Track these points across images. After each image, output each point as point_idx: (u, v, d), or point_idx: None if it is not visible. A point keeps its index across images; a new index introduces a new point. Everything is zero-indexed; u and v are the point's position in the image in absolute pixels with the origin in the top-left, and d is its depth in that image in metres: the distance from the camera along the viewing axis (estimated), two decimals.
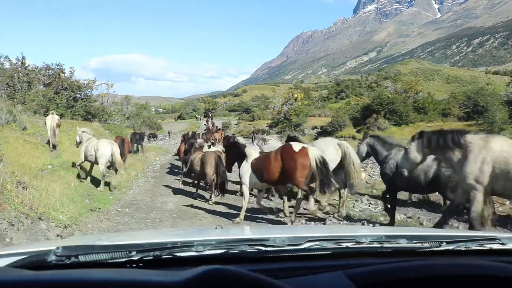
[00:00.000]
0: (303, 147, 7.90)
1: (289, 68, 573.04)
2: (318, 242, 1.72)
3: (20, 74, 29.04)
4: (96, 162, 11.98)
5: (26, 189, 7.77)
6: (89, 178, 12.95)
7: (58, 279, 1.03)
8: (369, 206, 11.81)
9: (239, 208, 10.73)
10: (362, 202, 12.18)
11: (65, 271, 1.16)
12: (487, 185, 6.10)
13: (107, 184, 12.18)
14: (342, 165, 8.64)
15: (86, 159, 12.43)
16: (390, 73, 72.52)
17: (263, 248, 1.63)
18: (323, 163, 7.67)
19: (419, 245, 1.84)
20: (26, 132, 16.36)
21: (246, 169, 8.76)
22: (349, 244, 1.76)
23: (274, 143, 11.01)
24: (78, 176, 13.01)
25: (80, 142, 12.99)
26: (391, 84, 47.55)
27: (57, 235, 6.67)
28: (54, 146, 15.59)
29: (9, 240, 5.54)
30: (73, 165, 13.72)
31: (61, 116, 22.94)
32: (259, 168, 8.46)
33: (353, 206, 11.61)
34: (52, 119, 15.44)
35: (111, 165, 12.23)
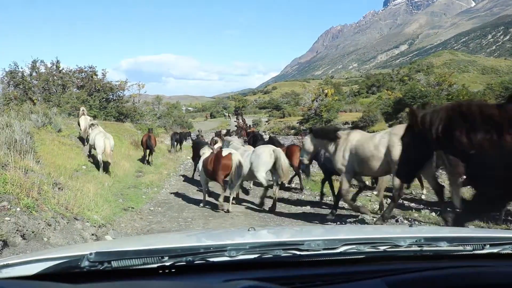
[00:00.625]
0: (229, 153, 10.10)
1: (319, 64, 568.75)
2: (354, 246, 1.65)
3: (55, 77, 29.81)
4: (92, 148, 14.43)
5: (62, 189, 7.93)
6: (123, 179, 13.21)
7: None
8: (401, 201, 11.57)
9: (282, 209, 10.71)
10: None
11: None
12: (349, 168, 8.12)
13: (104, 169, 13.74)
14: (274, 168, 10.15)
15: (90, 146, 14.78)
16: (423, 65, 70.92)
17: (298, 253, 1.57)
18: (239, 166, 9.97)
19: (461, 248, 1.73)
20: (61, 134, 16.77)
21: (200, 165, 10.93)
22: (386, 248, 1.67)
23: (236, 144, 12.47)
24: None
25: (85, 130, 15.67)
26: (424, 77, 46.52)
27: (92, 234, 6.78)
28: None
29: (47, 239, 5.65)
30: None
31: (94, 117, 23.46)
32: (204, 165, 10.63)
33: (386, 203, 11.39)
34: (85, 120, 16.37)
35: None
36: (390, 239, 1.75)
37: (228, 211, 9.89)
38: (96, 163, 14.16)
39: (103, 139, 13.55)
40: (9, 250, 4.80)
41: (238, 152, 10.49)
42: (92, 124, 14.83)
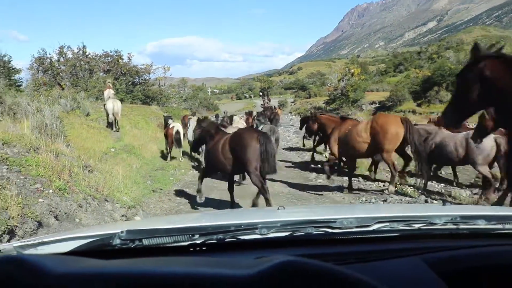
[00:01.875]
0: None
1: (344, 43, 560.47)
2: (388, 224, 1.60)
3: (82, 62, 30.25)
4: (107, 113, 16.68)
5: (92, 172, 8.09)
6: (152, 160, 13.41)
7: (120, 271, 1.00)
8: (432, 182, 11.38)
9: (298, 186, 10.69)
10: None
11: (127, 262, 1.14)
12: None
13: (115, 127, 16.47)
14: None
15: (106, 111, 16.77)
16: (452, 42, 68.78)
17: (330, 230, 1.55)
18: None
19: (499, 226, 1.66)
20: (89, 117, 17.06)
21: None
22: (421, 226, 1.62)
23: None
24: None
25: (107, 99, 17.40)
26: (454, 54, 45.14)
27: (122, 216, 6.90)
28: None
29: (78, 220, 5.79)
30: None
31: (121, 100, 23.75)
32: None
33: (415, 183, 11.24)
34: (108, 91, 18.36)
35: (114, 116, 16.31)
36: (424, 217, 1.69)
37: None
38: (122, 146, 14.39)
39: (111, 102, 16.32)
40: (44, 230, 4.93)
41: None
42: (109, 97, 17.29)
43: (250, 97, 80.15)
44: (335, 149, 9.98)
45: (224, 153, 7.34)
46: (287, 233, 1.53)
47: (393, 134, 8.61)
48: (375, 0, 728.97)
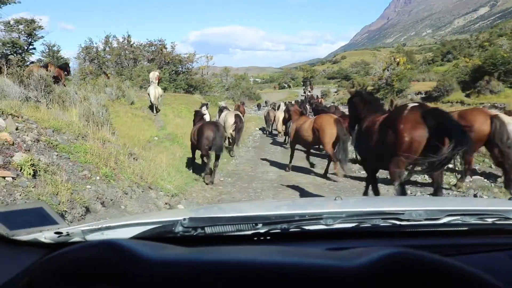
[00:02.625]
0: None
1: (390, 31, 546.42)
2: (459, 217, 1.52)
3: (127, 51, 30.97)
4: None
5: (137, 160, 8.26)
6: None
7: (203, 259, 0.99)
8: (480, 176, 10.97)
9: (343, 178, 10.55)
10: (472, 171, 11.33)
11: (212, 250, 1.13)
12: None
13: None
14: None
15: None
16: (506, 29, 65.25)
17: (398, 222, 1.48)
18: None
19: None
20: (133, 106, 17.44)
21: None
22: (495, 220, 1.53)
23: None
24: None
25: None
26: (507, 42, 43.01)
27: (166, 203, 7.01)
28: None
29: (124, 207, 5.92)
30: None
31: (164, 89, 24.21)
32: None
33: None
34: (155, 89, 18.73)
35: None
36: (498, 211, 1.60)
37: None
38: (166, 134, 14.63)
39: (153, 89, 18.57)
40: (91, 216, 5.07)
41: None
42: (152, 82, 19.62)
43: (289, 86, 79.77)
44: (292, 136, 12.02)
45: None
46: (353, 224, 1.48)
47: (328, 132, 10.23)
48: None
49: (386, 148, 5.31)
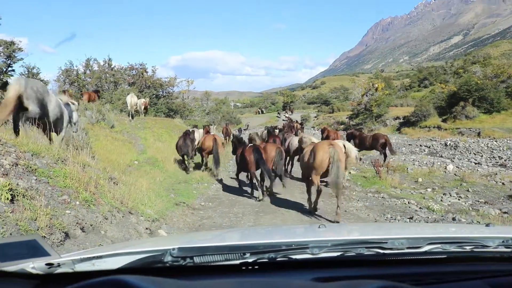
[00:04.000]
0: None
1: (368, 57, 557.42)
2: (439, 245, 1.58)
3: (107, 75, 30.87)
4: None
5: (117, 184, 8.16)
6: (174, 173, 13.49)
7: None
8: (458, 200, 11.17)
9: (320, 203, 10.59)
10: (450, 195, 11.54)
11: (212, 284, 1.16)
12: None
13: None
14: None
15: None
16: (479, 57, 67.46)
17: (381, 251, 1.53)
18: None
19: None
20: (114, 129, 17.31)
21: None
22: (473, 248, 1.59)
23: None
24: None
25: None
26: (480, 69, 44.33)
27: (146, 229, 6.93)
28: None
29: (104, 232, 5.82)
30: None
31: (145, 113, 24.21)
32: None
33: (441, 200, 11.04)
34: (131, 97, 22.21)
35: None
36: (476, 238, 1.66)
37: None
38: (146, 158, 14.54)
39: (129, 97, 21.92)
40: (70, 242, 4.97)
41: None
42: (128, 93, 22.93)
43: (262, 111, 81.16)
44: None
45: None
46: (338, 253, 1.52)
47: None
48: (399, 15, 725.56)
49: None
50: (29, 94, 7.15)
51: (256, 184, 10.98)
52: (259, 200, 10.59)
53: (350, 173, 15.25)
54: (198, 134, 16.89)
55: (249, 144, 11.62)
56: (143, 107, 23.81)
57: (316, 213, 9.26)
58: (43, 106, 7.59)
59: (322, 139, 18.42)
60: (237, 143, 12.80)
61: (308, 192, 9.38)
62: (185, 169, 14.92)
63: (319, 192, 8.75)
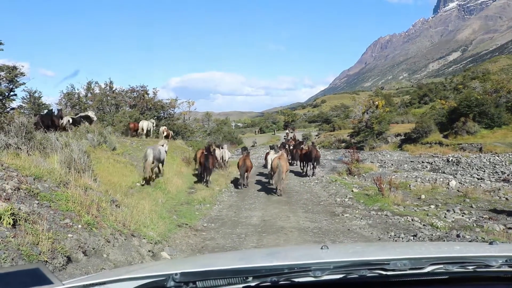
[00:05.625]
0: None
1: (368, 75, 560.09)
2: (442, 266, 1.58)
3: (109, 97, 31.06)
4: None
5: (119, 207, 8.15)
6: (176, 196, 13.48)
7: None
8: (462, 216, 11.10)
9: (324, 221, 10.54)
10: (454, 212, 11.48)
11: None
12: None
13: None
14: None
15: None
16: (478, 72, 67.89)
17: (384, 273, 1.54)
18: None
19: None
20: (115, 152, 17.31)
21: None
22: (476, 268, 1.59)
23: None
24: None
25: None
26: (479, 85, 44.56)
27: (149, 251, 6.89)
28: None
29: (106, 255, 5.79)
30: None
31: (146, 136, 24.41)
32: None
33: (445, 216, 10.98)
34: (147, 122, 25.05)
35: None
36: (479, 258, 1.66)
37: None
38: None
39: (146, 122, 25.05)
40: (73, 266, 4.94)
41: None
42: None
43: (263, 131, 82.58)
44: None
45: None
46: (341, 275, 1.52)
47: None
48: (398, 32, 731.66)
49: None
50: (155, 156, 13.89)
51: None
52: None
53: (352, 191, 15.21)
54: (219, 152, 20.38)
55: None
56: (164, 133, 25.72)
57: (320, 231, 9.26)
58: (159, 158, 14.55)
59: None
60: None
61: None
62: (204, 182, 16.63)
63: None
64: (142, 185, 13.37)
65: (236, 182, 18.32)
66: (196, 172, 18.85)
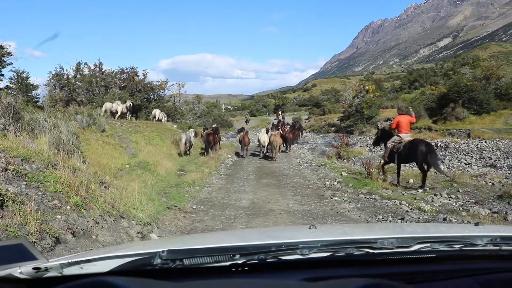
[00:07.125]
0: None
1: (359, 60, 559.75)
2: (428, 244, 1.60)
3: (98, 79, 30.74)
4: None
5: (108, 188, 8.12)
6: (166, 177, 13.48)
7: None
8: (449, 200, 11.23)
9: (313, 204, 10.62)
10: (441, 196, 11.60)
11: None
12: None
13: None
14: None
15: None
16: (468, 59, 67.99)
17: (371, 251, 1.55)
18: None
19: None
20: (105, 134, 17.21)
21: None
22: (462, 247, 1.62)
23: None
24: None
25: None
26: (469, 71, 44.72)
27: (138, 233, 6.90)
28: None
29: (95, 237, 5.79)
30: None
31: (136, 117, 24.23)
32: None
33: (432, 200, 11.10)
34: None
35: None
36: (465, 237, 1.69)
37: None
38: (137, 162, 14.50)
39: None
40: (61, 247, 4.94)
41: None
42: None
43: (253, 114, 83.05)
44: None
45: None
46: (328, 254, 1.53)
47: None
48: (389, 17, 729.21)
49: None
50: (187, 139, 19.32)
51: None
52: None
53: (341, 175, 15.31)
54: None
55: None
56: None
57: (309, 214, 9.33)
58: (190, 141, 19.89)
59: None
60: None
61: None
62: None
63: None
64: (180, 155, 19.84)
65: (226, 165, 18.43)
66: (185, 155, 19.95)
